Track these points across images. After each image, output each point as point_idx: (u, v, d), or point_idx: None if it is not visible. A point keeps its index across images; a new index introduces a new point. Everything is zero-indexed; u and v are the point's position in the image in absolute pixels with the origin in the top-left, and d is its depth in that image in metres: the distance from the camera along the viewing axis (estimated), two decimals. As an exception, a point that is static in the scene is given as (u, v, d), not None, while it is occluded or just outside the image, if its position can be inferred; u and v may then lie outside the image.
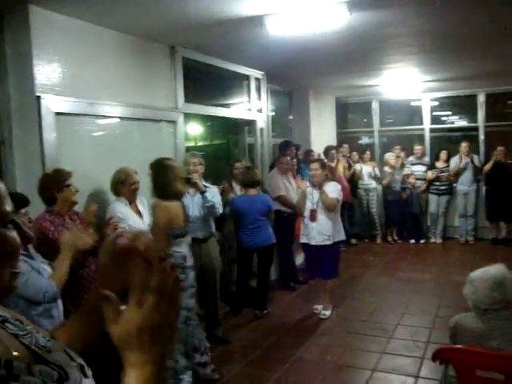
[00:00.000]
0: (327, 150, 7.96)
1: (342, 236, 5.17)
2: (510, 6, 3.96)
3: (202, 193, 4.27)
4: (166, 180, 3.55)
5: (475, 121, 9.03)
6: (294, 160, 6.58)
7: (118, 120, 4.24)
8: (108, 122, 4.18)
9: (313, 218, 5.00)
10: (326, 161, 6.12)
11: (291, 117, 8.35)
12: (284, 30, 4.16)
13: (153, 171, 3.61)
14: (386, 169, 8.50)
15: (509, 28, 4.66)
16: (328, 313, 5.12)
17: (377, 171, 8.60)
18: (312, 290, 5.67)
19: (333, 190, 5.01)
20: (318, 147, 8.07)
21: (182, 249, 3.57)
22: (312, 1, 3.71)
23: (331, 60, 6.10)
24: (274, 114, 7.60)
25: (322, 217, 4.97)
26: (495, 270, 2.51)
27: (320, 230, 4.97)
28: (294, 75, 7.08)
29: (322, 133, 8.64)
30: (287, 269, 6.12)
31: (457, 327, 2.53)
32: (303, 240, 5.17)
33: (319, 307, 5.18)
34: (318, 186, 4.98)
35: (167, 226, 3.49)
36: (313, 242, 5.03)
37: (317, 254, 5.03)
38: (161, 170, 3.58)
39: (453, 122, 10.02)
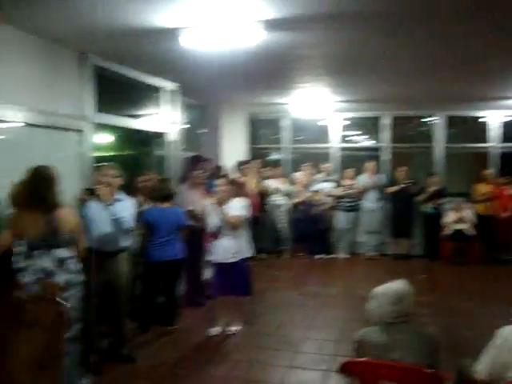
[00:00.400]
0: (238, 165, 8.01)
1: (249, 253, 5.11)
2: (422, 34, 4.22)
3: (109, 205, 4.11)
4: (32, 188, 3.35)
5: (382, 141, 9.51)
6: (205, 174, 6.53)
7: (20, 126, 3.98)
8: (8, 126, 3.90)
9: (218, 235, 4.91)
10: (236, 176, 6.12)
11: (203, 130, 8.32)
12: (197, 44, 4.15)
13: (25, 178, 3.39)
14: (296, 186, 8.70)
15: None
16: (236, 329, 5.08)
17: (286, 187, 8.76)
18: (220, 306, 5.57)
19: (237, 206, 4.92)
20: (229, 162, 8.11)
21: (45, 263, 3.34)
22: (227, 17, 3.73)
23: (245, 76, 6.19)
24: (186, 127, 7.53)
25: (227, 234, 4.88)
26: (397, 285, 2.64)
27: (226, 248, 4.88)
28: (207, 89, 7.09)
29: (233, 148, 8.70)
30: (195, 284, 6.01)
31: (362, 341, 2.61)
32: (211, 257, 5.05)
33: (219, 328, 5.06)
34: (223, 202, 4.88)
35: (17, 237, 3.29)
36: (219, 260, 4.93)
37: (226, 271, 4.92)
38: (32, 178, 3.37)
39: (360, 142, 10.51)
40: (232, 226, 4.83)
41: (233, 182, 5.26)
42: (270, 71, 5.84)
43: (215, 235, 4.94)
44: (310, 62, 5.37)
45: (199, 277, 6.09)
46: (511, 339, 2.35)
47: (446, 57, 4.99)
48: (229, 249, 4.88)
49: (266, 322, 5.47)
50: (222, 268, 4.95)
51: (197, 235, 5.83)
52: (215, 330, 5.03)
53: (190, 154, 7.09)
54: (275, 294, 6.58)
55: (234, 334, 5.03)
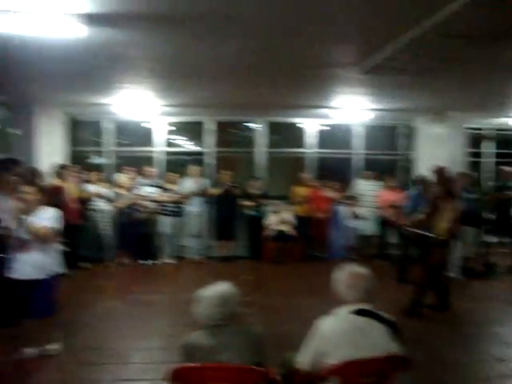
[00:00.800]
0: (56, 169, 7.43)
1: (58, 268, 4.57)
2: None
3: None
4: None
5: (206, 146, 9.66)
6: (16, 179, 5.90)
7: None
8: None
9: (23, 248, 4.26)
10: (53, 181, 5.63)
11: (14, 131, 7.55)
12: (6, 30, 3.72)
13: None
14: (119, 190, 8.37)
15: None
16: (54, 347, 4.61)
17: (109, 192, 8.37)
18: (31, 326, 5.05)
19: (46, 217, 4.33)
20: (46, 165, 7.48)
21: None
22: (43, 6, 3.41)
23: (63, 74, 5.76)
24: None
25: (33, 247, 4.27)
26: (221, 287, 2.66)
27: (29, 262, 4.27)
28: (19, 85, 6.43)
29: (51, 150, 8.05)
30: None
31: (188, 345, 2.57)
32: (11, 274, 4.32)
33: (34, 350, 4.46)
34: (28, 212, 4.27)
35: None
36: (22, 277, 4.28)
37: (27, 290, 4.29)
38: None
39: (185, 146, 10.55)
40: (39, 238, 4.25)
41: (44, 189, 4.67)
42: (91, 69, 5.53)
43: (19, 249, 4.29)
44: (134, 62, 5.22)
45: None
46: (327, 329, 2.53)
47: (267, 65, 5.25)
48: (33, 264, 4.28)
49: (90, 335, 5.11)
50: (23, 286, 4.31)
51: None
52: (30, 352, 4.50)
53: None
54: (100, 304, 6.21)
55: (53, 353, 4.58)
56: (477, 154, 10.26)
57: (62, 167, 7.60)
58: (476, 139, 10.14)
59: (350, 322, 2.56)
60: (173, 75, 5.94)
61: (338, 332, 2.51)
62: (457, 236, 6.14)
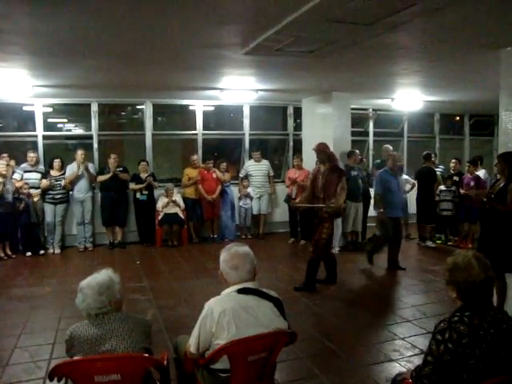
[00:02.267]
0: None
1: None
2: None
3: None
4: None
5: (90, 129, 9.21)
6: None
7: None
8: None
9: None
10: None
11: None
12: None
13: None
14: (-5, 178, 7.72)
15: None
16: None
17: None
18: None
19: None
20: None
21: None
22: None
23: None
24: None
25: None
26: (102, 275, 2.57)
27: None
28: None
29: None
30: None
31: (72, 338, 2.47)
32: None
33: None
34: None
35: None
36: None
37: None
38: None
39: (69, 130, 10.00)
40: None
41: None
42: None
43: None
44: (3, 36, 4.76)
45: None
46: (215, 310, 2.54)
47: (150, 44, 5.07)
48: None
49: (-33, 338, 4.73)
50: None
51: None
52: None
53: None
54: (-21, 303, 5.76)
55: None
56: (361, 133, 10.89)
57: None
58: (360, 119, 10.74)
59: (235, 301, 2.60)
60: (51, 52, 5.52)
61: (224, 312, 2.53)
62: (342, 211, 6.34)
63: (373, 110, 10.88)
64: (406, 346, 4.28)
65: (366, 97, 9.48)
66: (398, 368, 3.78)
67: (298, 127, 10.27)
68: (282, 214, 9.64)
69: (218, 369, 2.60)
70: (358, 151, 8.56)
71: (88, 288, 2.49)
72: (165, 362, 2.63)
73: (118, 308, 2.56)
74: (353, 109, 9.19)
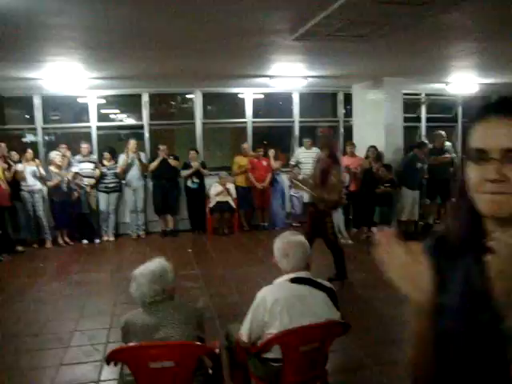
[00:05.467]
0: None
1: None
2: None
3: None
4: None
5: (141, 119, 9.37)
6: None
7: None
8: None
9: None
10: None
11: None
12: None
13: None
14: (52, 168, 8.00)
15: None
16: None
17: (42, 171, 8.00)
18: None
19: None
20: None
21: None
22: None
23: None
24: None
25: None
26: (155, 263, 2.61)
27: None
28: None
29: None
30: None
31: (127, 326, 2.53)
32: None
33: None
34: None
35: None
36: None
37: None
38: None
39: (121, 120, 10.22)
40: None
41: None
42: (12, 40, 5.15)
43: None
44: (58, 32, 4.90)
45: None
46: (268, 299, 2.53)
47: (198, 33, 5.08)
48: None
49: (30, 320, 4.94)
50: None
51: None
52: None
53: None
54: (40, 288, 6.01)
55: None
56: (414, 119, 10.55)
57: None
58: (411, 104, 10.41)
59: (288, 290, 2.58)
60: (102, 45, 5.64)
61: (277, 301, 2.52)
62: (340, 203, 5.94)
63: (425, 94, 10.52)
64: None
65: (419, 81, 9.18)
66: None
67: (348, 114, 10.08)
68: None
69: (270, 358, 2.60)
70: (427, 142, 8.38)
71: (141, 277, 2.53)
72: (217, 350, 2.65)
73: (171, 296, 2.59)
74: (405, 94, 8.94)
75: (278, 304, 2.51)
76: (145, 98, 9.22)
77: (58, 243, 8.14)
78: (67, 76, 7.32)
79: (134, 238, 8.67)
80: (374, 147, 8.21)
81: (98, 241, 8.40)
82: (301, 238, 2.77)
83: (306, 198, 9.26)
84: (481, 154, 0.95)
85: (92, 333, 4.53)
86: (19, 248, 7.70)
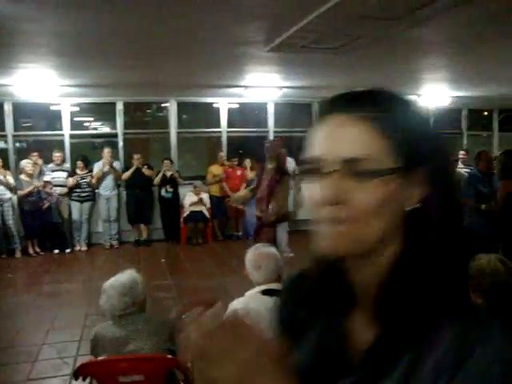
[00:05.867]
0: None
1: None
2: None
3: None
4: None
5: (115, 127, 9.30)
6: None
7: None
8: None
9: None
10: None
11: None
12: None
13: None
14: (23, 177, 7.87)
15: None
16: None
17: (11, 180, 7.85)
18: None
19: None
20: None
21: None
22: None
23: None
24: None
25: None
26: (125, 275, 2.58)
27: None
28: None
29: None
30: None
31: (96, 338, 2.49)
32: None
33: None
34: None
35: None
36: None
37: None
38: None
39: (95, 128, 10.11)
40: None
41: None
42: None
43: None
44: (31, 38, 4.84)
45: None
46: (239, 312, 2.52)
47: (172, 42, 5.08)
48: None
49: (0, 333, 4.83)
50: None
51: None
52: None
53: None
54: (10, 299, 5.89)
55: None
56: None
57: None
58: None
59: (260, 302, 2.57)
60: (76, 53, 5.60)
61: (248, 314, 2.51)
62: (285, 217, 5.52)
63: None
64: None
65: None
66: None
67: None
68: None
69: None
70: None
71: (111, 289, 2.50)
72: (188, 364, 2.62)
73: (142, 308, 2.56)
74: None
75: (249, 316, 2.50)
76: (119, 107, 9.14)
77: (28, 253, 7.97)
78: (39, 83, 7.23)
79: (106, 248, 8.56)
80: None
81: (69, 250, 8.26)
82: (273, 249, 2.78)
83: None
84: (314, 166, 0.68)
85: (62, 345, 4.44)
86: (-11, 257, 7.52)
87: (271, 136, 9.98)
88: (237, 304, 2.60)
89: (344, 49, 4.90)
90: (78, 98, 8.85)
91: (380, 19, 3.92)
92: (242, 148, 10.37)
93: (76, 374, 2.35)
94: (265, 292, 2.62)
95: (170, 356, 2.41)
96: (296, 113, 10.59)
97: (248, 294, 2.68)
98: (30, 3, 3.74)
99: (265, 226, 5.33)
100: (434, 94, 9.37)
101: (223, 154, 9.32)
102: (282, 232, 5.43)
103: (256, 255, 2.71)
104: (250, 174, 9.15)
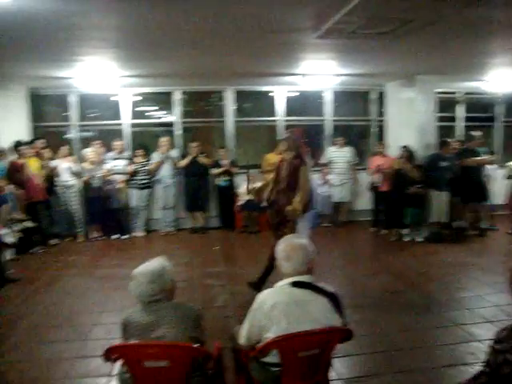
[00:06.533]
0: (16, 146, 7.27)
1: None
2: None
3: None
4: None
5: (174, 116, 9.47)
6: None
7: None
8: None
9: None
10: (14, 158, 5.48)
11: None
12: None
13: None
14: (86, 165, 8.22)
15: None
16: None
17: (75, 167, 8.23)
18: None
19: None
20: (5, 142, 7.31)
21: None
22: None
23: (14, 45, 5.51)
24: None
25: None
26: (155, 263, 2.62)
27: None
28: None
29: (11, 126, 7.84)
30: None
31: (126, 323, 2.55)
32: None
33: None
34: None
35: None
36: None
37: None
38: None
39: (157, 117, 10.37)
40: None
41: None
42: (47, 41, 5.30)
43: None
44: (89, 32, 5.00)
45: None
46: (266, 302, 2.50)
47: (228, 32, 5.07)
48: None
49: (54, 312, 5.08)
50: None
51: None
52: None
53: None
54: (69, 281, 6.18)
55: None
56: (448, 118, 10.22)
57: (24, 143, 7.42)
58: (447, 103, 10.08)
59: (288, 295, 2.54)
60: (133, 45, 5.74)
61: (275, 305, 2.48)
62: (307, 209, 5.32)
63: (461, 93, 10.17)
64: (482, 349, 3.89)
65: (454, 79, 8.89)
66: (471, 372, 3.53)
67: (382, 113, 9.87)
68: (364, 202, 9.36)
69: (270, 362, 2.56)
70: (451, 140, 8.07)
71: (141, 276, 2.56)
72: (216, 352, 2.63)
73: (170, 296, 2.60)
74: (439, 93, 8.67)
75: (276, 308, 2.48)
76: (177, 96, 9.31)
77: (90, 237, 8.34)
78: (100, 74, 7.47)
79: (163, 234, 8.78)
80: (405, 147, 8.00)
81: (127, 236, 8.54)
82: (304, 241, 2.72)
83: (336, 197, 9.18)
84: None
85: (110, 327, 4.58)
86: (52, 241, 7.93)
87: (329, 125, 9.82)
88: (265, 295, 2.58)
89: (395, 33, 4.69)
90: (137, 88, 9.09)
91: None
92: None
93: (105, 356, 2.43)
94: (294, 284, 2.58)
95: (193, 344, 2.43)
96: (354, 101, 10.34)
97: (277, 285, 2.65)
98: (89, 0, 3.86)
99: (288, 220, 5.18)
100: (501, 78, 8.79)
101: (284, 144, 9.18)
102: (303, 226, 5.29)
103: (287, 246, 2.67)
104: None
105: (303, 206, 5.08)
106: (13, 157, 7.53)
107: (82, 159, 8.46)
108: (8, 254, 6.70)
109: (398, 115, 8.85)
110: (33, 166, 7.45)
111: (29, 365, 3.93)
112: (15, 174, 7.11)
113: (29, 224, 7.04)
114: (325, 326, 2.51)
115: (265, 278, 5.32)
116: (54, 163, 8.04)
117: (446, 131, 9.44)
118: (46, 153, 8.06)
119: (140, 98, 9.57)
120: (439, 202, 7.72)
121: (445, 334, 4.32)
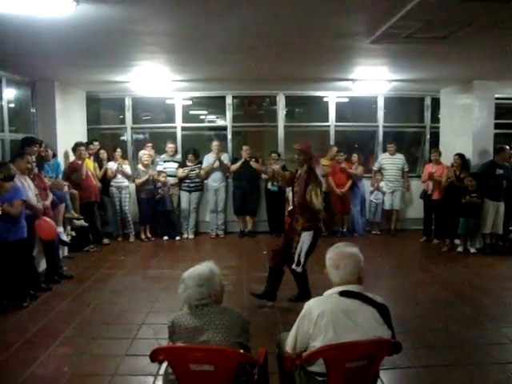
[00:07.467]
0: (75, 147, 7.54)
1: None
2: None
3: None
4: None
5: (226, 121, 9.56)
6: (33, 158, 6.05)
7: None
8: None
9: None
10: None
11: (34, 110, 7.66)
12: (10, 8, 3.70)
13: None
14: (140, 166, 8.43)
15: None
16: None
17: (129, 169, 8.46)
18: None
19: None
20: (65, 144, 7.58)
21: None
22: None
23: (74, 51, 5.74)
24: (12, 105, 6.87)
25: None
26: (203, 267, 2.64)
27: None
28: (33, 64, 6.47)
29: (70, 128, 8.14)
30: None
31: (174, 325, 2.58)
32: None
33: None
34: None
35: None
36: None
37: None
38: None
39: (210, 121, 10.53)
40: None
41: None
42: (100, 47, 5.49)
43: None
44: (141, 38, 5.14)
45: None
46: (314, 311, 2.47)
47: (281, 37, 5.08)
48: None
49: (105, 309, 5.24)
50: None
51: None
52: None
53: (22, 135, 6.57)
54: (119, 280, 6.35)
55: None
56: (507, 126, 9.79)
57: (82, 145, 7.68)
58: (504, 109, 9.68)
59: (336, 304, 2.50)
60: (185, 50, 5.85)
61: (323, 314, 2.45)
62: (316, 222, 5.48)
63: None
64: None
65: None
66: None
67: (436, 119, 9.61)
68: (416, 210, 9.15)
69: (315, 371, 2.53)
70: (508, 147, 7.73)
71: (189, 279, 2.58)
72: (261, 359, 2.62)
73: (218, 300, 2.61)
74: (498, 98, 8.35)
75: (324, 317, 2.44)
76: (228, 100, 9.41)
77: (141, 238, 8.54)
78: (154, 79, 7.65)
79: (212, 237, 8.86)
80: (459, 155, 7.75)
81: (178, 238, 8.68)
82: (354, 249, 2.67)
83: (386, 205, 8.99)
84: None
85: (158, 327, 4.66)
86: (105, 240, 8.18)
87: (381, 131, 9.66)
88: (313, 303, 2.55)
89: (453, 37, 4.53)
90: (189, 92, 9.25)
91: (493, 1, 3.56)
92: (350, 142, 10.17)
93: (152, 357, 2.46)
94: (342, 293, 2.53)
95: (239, 350, 2.43)
96: (407, 107, 10.12)
97: (326, 293, 2.62)
98: (142, 7, 3.97)
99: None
100: None
101: (336, 148, 9.12)
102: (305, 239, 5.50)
103: (336, 254, 2.64)
104: (356, 169, 8.94)
105: (304, 223, 5.36)
106: (70, 158, 7.84)
107: (135, 161, 8.67)
108: (63, 252, 6.96)
109: (452, 122, 8.59)
110: (89, 167, 7.70)
111: (80, 359, 4.06)
112: (73, 174, 7.38)
113: (83, 223, 7.27)
114: (373, 338, 2.45)
115: (304, 287, 5.49)
116: (109, 165, 8.28)
117: (502, 139, 9.07)
118: (102, 154, 8.32)
119: (192, 101, 9.72)
120: (494, 211, 7.43)
121: (500, 351, 4.15)
